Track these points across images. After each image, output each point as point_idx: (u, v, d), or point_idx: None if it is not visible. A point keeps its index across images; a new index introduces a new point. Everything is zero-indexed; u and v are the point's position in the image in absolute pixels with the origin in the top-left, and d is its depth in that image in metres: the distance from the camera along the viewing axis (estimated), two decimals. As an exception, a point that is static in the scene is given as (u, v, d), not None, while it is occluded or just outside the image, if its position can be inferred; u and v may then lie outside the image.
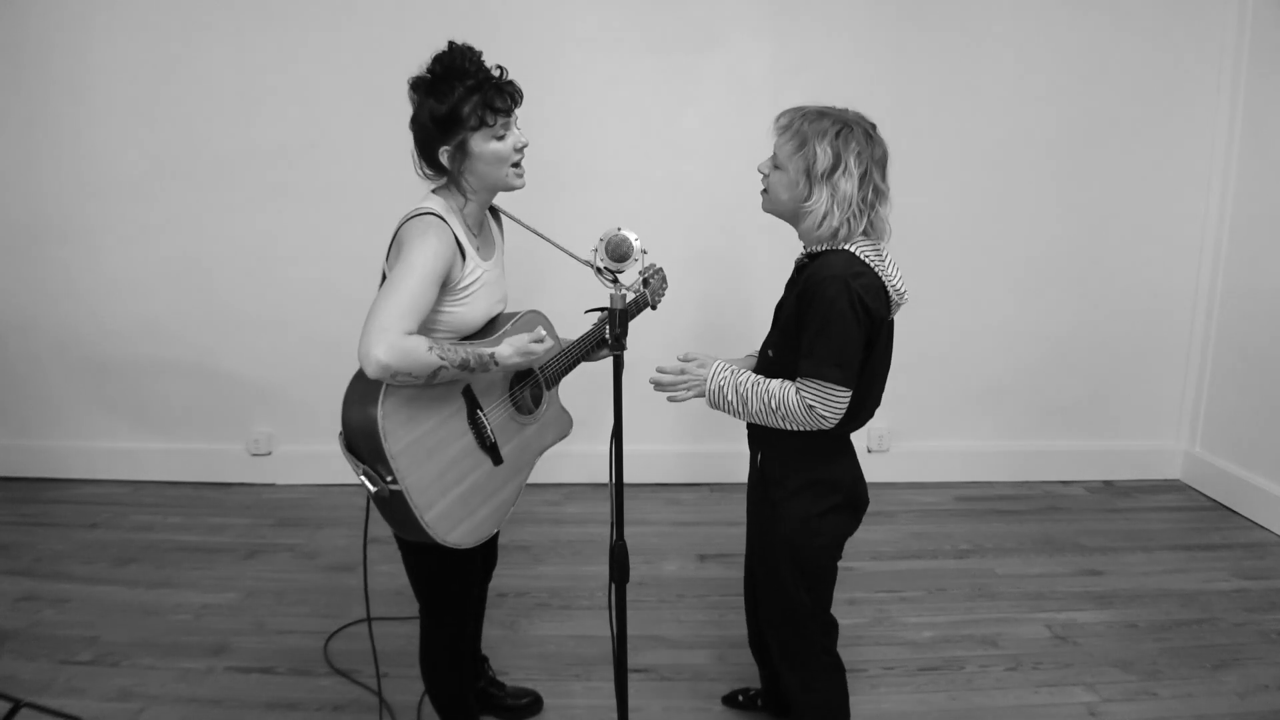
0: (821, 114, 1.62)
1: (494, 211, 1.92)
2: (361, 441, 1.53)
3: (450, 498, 1.61)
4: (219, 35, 3.47)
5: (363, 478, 1.53)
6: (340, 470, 3.66)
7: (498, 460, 1.73)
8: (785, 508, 1.75)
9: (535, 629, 2.66)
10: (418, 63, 1.72)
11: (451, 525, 1.60)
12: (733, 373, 1.69)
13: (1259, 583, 2.93)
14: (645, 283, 2.03)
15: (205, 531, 3.34)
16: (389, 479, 1.51)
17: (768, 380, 1.67)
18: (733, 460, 3.80)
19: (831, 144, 1.57)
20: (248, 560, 3.11)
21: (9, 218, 3.67)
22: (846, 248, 1.63)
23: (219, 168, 3.57)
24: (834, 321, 1.55)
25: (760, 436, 1.83)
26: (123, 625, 2.65)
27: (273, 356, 3.74)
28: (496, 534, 2.06)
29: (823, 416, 1.59)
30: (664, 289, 2.10)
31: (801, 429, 1.63)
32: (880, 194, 1.62)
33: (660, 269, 2.08)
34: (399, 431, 1.51)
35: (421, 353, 1.48)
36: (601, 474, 3.37)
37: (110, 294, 3.71)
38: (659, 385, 1.73)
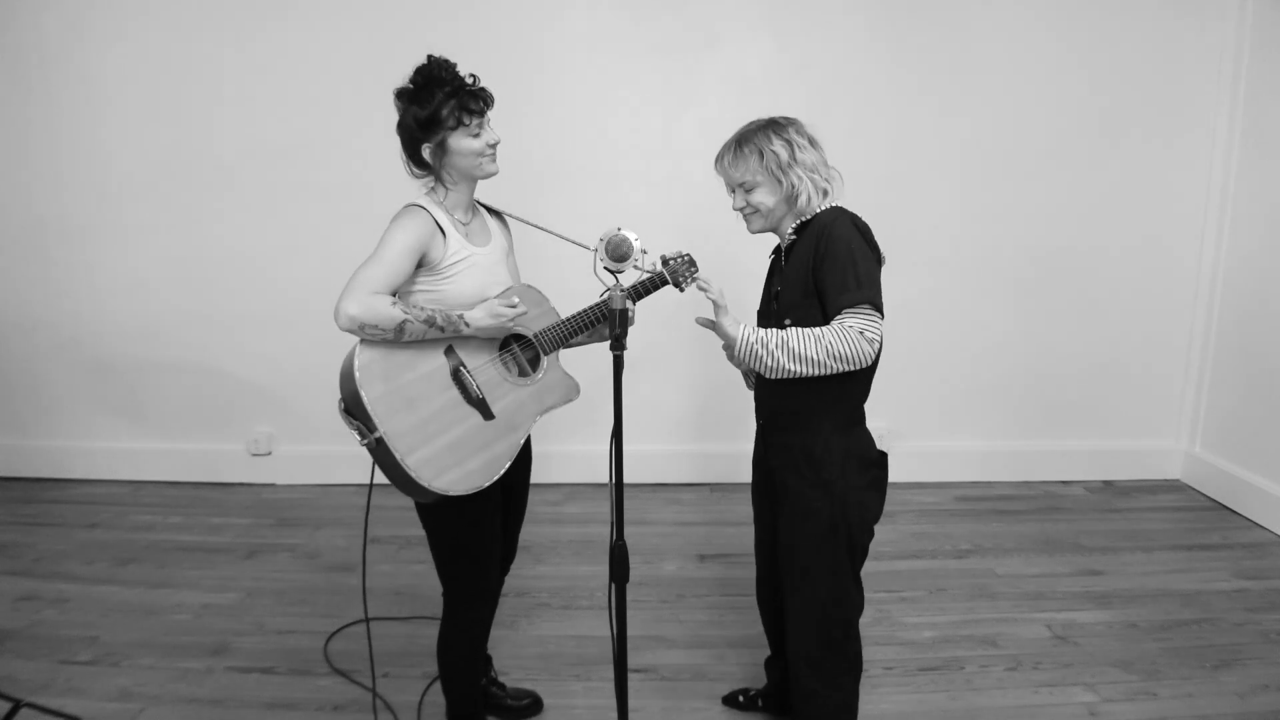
0: (747, 132, 1.85)
1: (496, 213, 2.03)
2: (348, 398, 1.71)
3: (436, 445, 1.73)
4: (220, 36, 3.47)
5: (354, 433, 1.70)
6: (340, 470, 3.75)
7: (488, 415, 1.83)
8: (837, 485, 1.79)
9: (535, 629, 2.66)
10: (419, 63, 1.77)
11: (437, 471, 1.72)
12: (766, 329, 1.77)
13: (1259, 583, 2.93)
14: (665, 262, 2.03)
15: (205, 531, 3.34)
16: (372, 430, 1.67)
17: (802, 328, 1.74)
18: (733, 460, 3.82)
19: (776, 138, 1.80)
20: (248, 560, 3.11)
21: (10, 217, 3.67)
22: (833, 204, 1.80)
23: (219, 168, 3.57)
24: (856, 253, 1.70)
25: (794, 423, 1.84)
26: (123, 625, 2.65)
27: (273, 356, 3.74)
28: (517, 530, 2.11)
29: (871, 341, 1.67)
30: (691, 271, 2.07)
31: (845, 364, 1.67)
32: (819, 148, 1.86)
33: (688, 255, 2.08)
34: (374, 382, 1.69)
35: (385, 306, 1.68)
36: (601, 474, 3.38)
37: (110, 294, 3.71)
38: (705, 286, 1.83)
